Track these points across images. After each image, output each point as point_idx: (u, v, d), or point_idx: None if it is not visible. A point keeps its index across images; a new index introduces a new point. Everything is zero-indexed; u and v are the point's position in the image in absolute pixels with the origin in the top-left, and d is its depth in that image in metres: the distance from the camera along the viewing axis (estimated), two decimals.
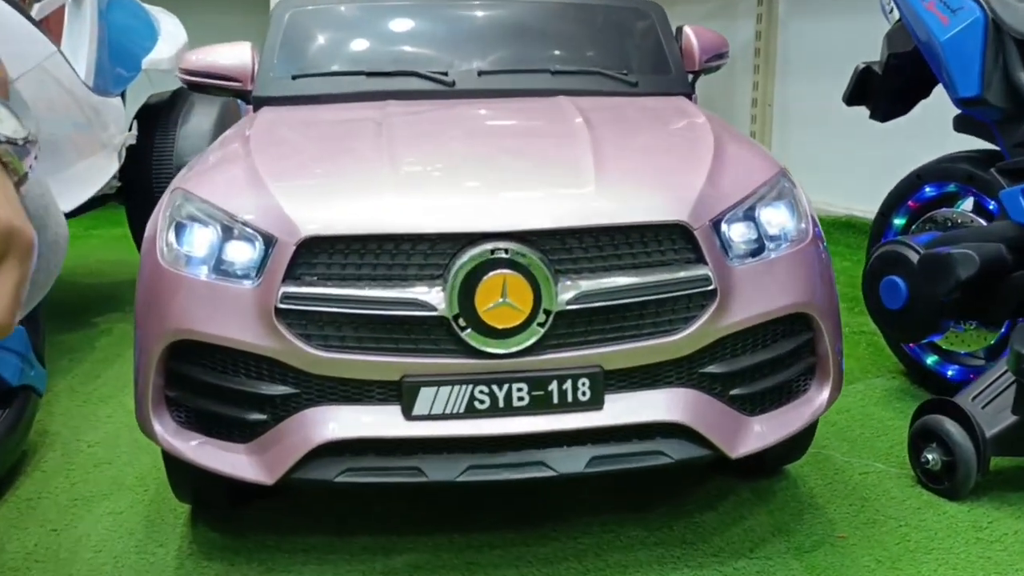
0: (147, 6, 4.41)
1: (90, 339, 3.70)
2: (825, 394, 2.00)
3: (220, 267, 1.83)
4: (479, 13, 2.93)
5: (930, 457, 2.29)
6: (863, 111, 3.19)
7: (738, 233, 1.89)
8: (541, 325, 1.74)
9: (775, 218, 1.96)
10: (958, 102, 2.67)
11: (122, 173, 3.96)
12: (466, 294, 1.71)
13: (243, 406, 1.81)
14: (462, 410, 1.75)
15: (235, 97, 2.77)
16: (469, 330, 1.72)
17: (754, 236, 1.91)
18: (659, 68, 2.81)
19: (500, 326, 1.72)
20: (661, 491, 2.31)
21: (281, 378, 1.79)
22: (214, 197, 1.91)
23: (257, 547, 2.09)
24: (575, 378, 1.76)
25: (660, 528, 2.15)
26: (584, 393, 1.77)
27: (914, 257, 2.57)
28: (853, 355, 3.29)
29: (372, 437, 1.77)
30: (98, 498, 2.36)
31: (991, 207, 2.73)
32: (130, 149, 3.98)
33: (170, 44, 4.26)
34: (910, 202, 3.00)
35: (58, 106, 3.26)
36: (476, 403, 1.75)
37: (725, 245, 1.86)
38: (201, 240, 1.86)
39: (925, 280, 2.49)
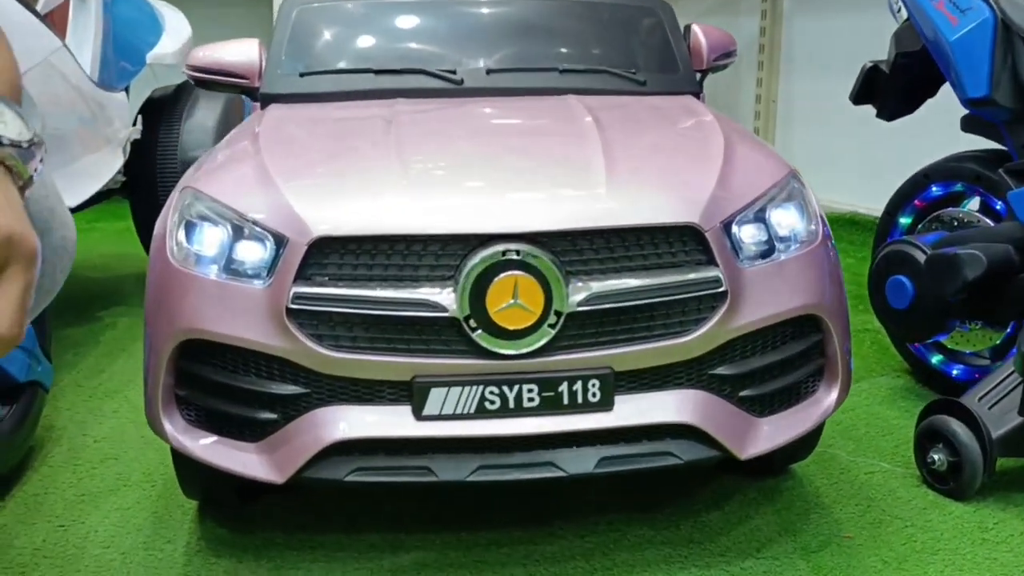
0: (151, 0, 4.40)
1: (94, 333, 3.70)
2: (834, 395, 2.00)
3: (231, 266, 1.83)
4: (487, 11, 2.92)
5: (936, 457, 2.30)
6: (867, 108, 3.19)
7: (748, 235, 1.89)
8: (552, 326, 1.74)
9: (785, 219, 1.96)
10: (966, 102, 2.66)
11: (126, 167, 3.96)
12: (477, 295, 1.71)
13: (254, 405, 1.82)
14: (472, 411, 1.75)
15: (242, 94, 2.77)
16: (480, 331, 1.73)
17: (764, 238, 1.92)
18: (667, 67, 2.81)
19: (511, 327, 1.72)
20: (668, 490, 2.32)
21: (292, 378, 1.79)
22: (224, 196, 1.90)
23: (265, 544, 2.10)
24: (585, 379, 1.77)
25: (667, 527, 2.15)
26: (594, 394, 1.77)
27: (921, 257, 2.57)
28: (858, 353, 3.30)
29: (382, 437, 1.77)
30: (105, 494, 2.36)
31: (998, 207, 2.73)
32: (134, 143, 3.98)
33: (174, 38, 4.24)
34: (916, 201, 3.00)
35: (63, 101, 3.26)
36: (486, 404, 1.75)
37: (735, 247, 1.86)
38: (211, 239, 1.86)
39: (932, 280, 2.49)
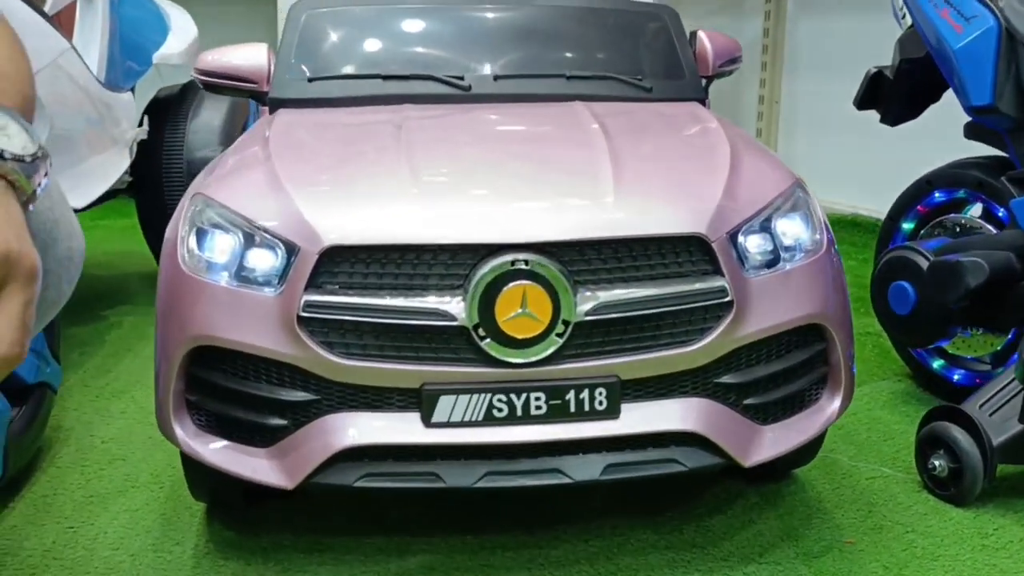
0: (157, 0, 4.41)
1: (100, 332, 3.72)
2: (837, 403, 2.03)
3: (242, 274, 1.85)
4: (494, 17, 2.93)
5: (937, 464, 2.32)
6: (870, 111, 3.20)
7: (754, 244, 1.91)
8: (559, 335, 1.76)
9: (790, 229, 1.98)
10: (970, 110, 2.68)
11: (132, 167, 3.97)
12: (486, 304, 1.73)
13: (264, 411, 1.84)
14: (480, 418, 1.78)
15: (251, 98, 2.78)
16: (488, 340, 1.75)
17: (770, 248, 1.94)
18: (673, 73, 2.82)
19: (519, 336, 1.74)
20: (671, 494, 2.34)
21: (302, 384, 1.81)
22: (235, 203, 1.92)
23: (273, 547, 2.12)
24: (592, 387, 1.79)
25: (670, 532, 2.18)
26: (601, 402, 1.79)
27: (923, 263, 2.59)
28: (860, 357, 3.32)
29: (392, 443, 1.79)
30: (113, 495, 2.38)
31: (1000, 213, 2.75)
32: (140, 143, 3.99)
33: (181, 38, 4.25)
34: (919, 207, 3.02)
35: (71, 102, 3.27)
36: (494, 411, 1.77)
37: (741, 256, 1.88)
38: (222, 246, 1.88)
39: (934, 287, 2.51)
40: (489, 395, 1.77)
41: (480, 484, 1.78)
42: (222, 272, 1.86)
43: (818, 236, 2.02)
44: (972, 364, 2.88)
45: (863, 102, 3.14)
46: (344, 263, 1.78)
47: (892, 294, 2.70)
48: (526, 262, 1.74)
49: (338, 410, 1.81)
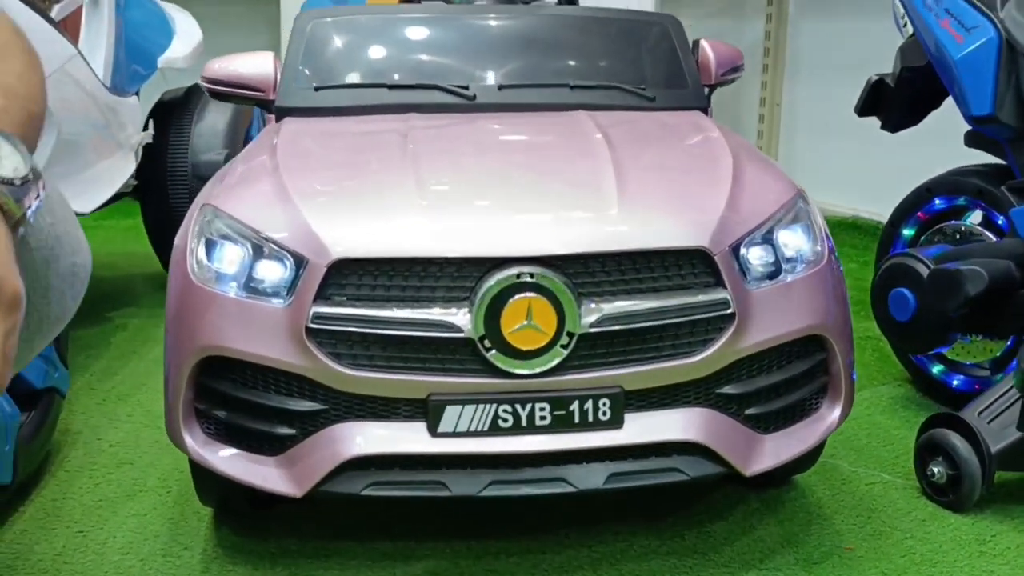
0: (161, 3, 4.43)
1: (105, 335, 3.75)
2: (837, 412, 2.05)
3: (250, 284, 1.87)
4: (498, 26, 2.96)
5: (936, 470, 2.35)
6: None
7: (756, 256, 1.94)
8: (564, 347, 1.78)
9: (792, 241, 2.01)
10: (970, 120, 2.71)
11: (137, 171, 3.99)
12: (492, 316, 1.76)
13: (273, 421, 1.87)
14: (486, 428, 1.80)
15: (257, 106, 2.81)
16: (494, 351, 1.77)
17: (771, 259, 1.96)
18: (676, 82, 2.84)
19: (524, 348, 1.77)
20: (672, 500, 2.37)
21: (311, 394, 1.84)
22: (243, 214, 1.95)
23: (280, 551, 2.15)
24: (596, 398, 1.81)
25: (672, 538, 2.20)
26: (604, 413, 1.82)
27: (923, 270, 2.62)
28: (860, 361, 3.34)
29: (398, 453, 1.82)
30: (122, 499, 2.41)
31: (1000, 221, 2.78)
32: (145, 147, 4.01)
33: (185, 42, 4.27)
34: (919, 213, 3.04)
35: (78, 108, 3.29)
36: (500, 421, 1.80)
37: (743, 269, 1.91)
38: (231, 258, 1.90)
39: (934, 295, 2.54)
40: (494, 405, 1.79)
41: (485, 492, 1.81)
42: (231, 283, 1.89)
43: (819, 247, 2.05)
44: (971, 370, 2.91)
45: (864, 109, 3.17)
46: (352, 275, 1.81)
47: (892, 301, 2.72)
48: (531, 275, 1.77)
49: (346, 420, 1.83)
